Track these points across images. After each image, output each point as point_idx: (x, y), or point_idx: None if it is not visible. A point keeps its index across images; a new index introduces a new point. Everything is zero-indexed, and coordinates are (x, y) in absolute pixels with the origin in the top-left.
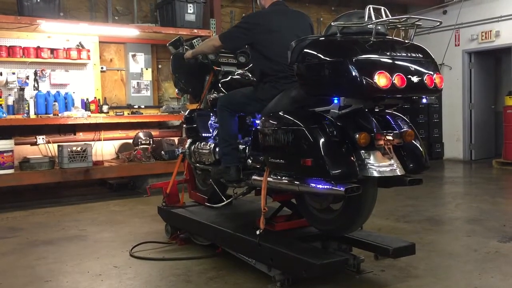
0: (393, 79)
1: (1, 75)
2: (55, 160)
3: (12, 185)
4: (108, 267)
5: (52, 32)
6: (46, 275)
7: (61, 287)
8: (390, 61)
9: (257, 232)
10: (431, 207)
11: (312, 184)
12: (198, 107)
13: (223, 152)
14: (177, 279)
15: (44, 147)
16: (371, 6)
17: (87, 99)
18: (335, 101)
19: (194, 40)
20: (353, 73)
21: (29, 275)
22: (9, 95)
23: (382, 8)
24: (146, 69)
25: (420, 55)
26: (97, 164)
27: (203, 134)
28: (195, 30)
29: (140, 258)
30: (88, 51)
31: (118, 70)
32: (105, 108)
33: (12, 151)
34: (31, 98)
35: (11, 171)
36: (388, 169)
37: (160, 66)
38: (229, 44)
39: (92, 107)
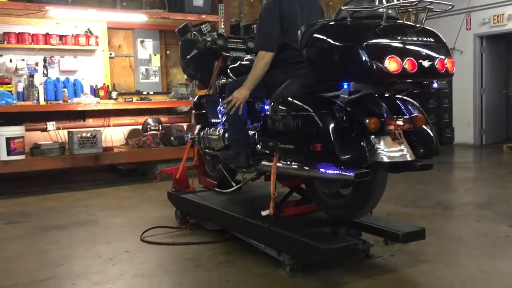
0: (403, 63)
1: (11, 61)
2: (65, 146)
3: (23, 171)
4: (119, 252)
5: (61, 19)
6: (58, 259)
7: (73, 271)
8: (401, 45)
9: (262, 213)
10: (440, 192)
11: (322, 170)
12: (207, 93)
13: (233, 138)
14: (187, 263)
15: (54, 133)
16: None
17: (96, 86)
18: (345, 86)
19: (203, 26)
20: (364, 58)
21: (41, 259)
22: (19, 81)
23: None
24: (155, 55)
25: (431, 39)
26: (106, 150)
27: (212, 120)
28: (203, 16)
29: (150, 242)
30: (97, 37)
31: (126, 56)
32: (114, 94)
33: (22, 137)
34: (40, 84)
35: (22, 157)
36: (398, 154)
37: (168, 52)
38: (275, 46)
39: (101, 93)
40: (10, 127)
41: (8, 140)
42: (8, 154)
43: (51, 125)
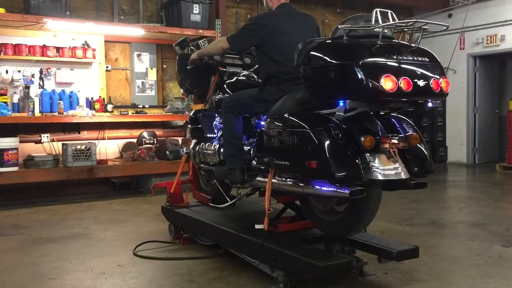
0: (399, 82)
1: (7, 73)
2: (59, 158)
3: (17, 182)
4: (112, 266)
5: (58, 31)
6: (50, 273)
7: (65, 284)
8: (396, 64)
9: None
10: (434, 210)
11: (317, 186)
12: (203, 108)
13: (228, 154)
14: (180, 278)
15: (48, 145)
16: (378, 9)
17: (92, 98)
18: (341, 104)
19: (200, 41)
20: (359, 76)
21: (33, 272)
22: (15, 93)
23: (389, 11)
24: (151, 68)
25: (426, 59)
26: (101, 163)
27: (208, 135)
28: (201, 31)
29: (143, 257)
30: (94, 50)
31: (123, 69)
32: (109, 107)
33: (16, 148)
34: (36, 96)
35: (15, 168)
36: (392, 172)
37: (165, 66)
38: (236, 45)
39: (97, 106)
40: (4, 139)
41: (2, 151)
42: (2, 166)
43: (45, 137)
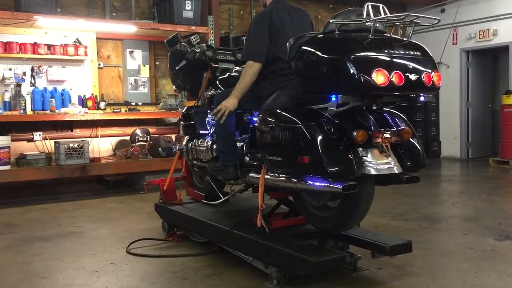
0: (391, 76)
1: None
2: (52, 156)
3: (9, 181)
4: (105, 264)
5: (49, 28)
6: (42, 271)
7: (57, 283)
8: (388, 58)
9: (262, 229)
10: (428, 205)
11: (310, 182)
12: (195, 104)
13: (221, 150)
14: (173, 276)
15: (40, 144)
16: (369, 3)
17: (84, 96)
18: (333, 99)
19: (192, 37)
20: (351, 71)
21: (25, 271)
22: (6, 91)
23: (381, 5)
24: (144, 65)
25: (418, 53)
26: (94, 160)
27: (201, 131)
28: (193, 27)
29: (136, 255)
30: (86, 47)
31: (115, 66)
32: (102, 104)
33: (8, 147)
34: (27, 94)
35: (7, 167)
36: (385, 167)
37: (157, 63)
38: (263, 57)
39: (89, 103)
40: None
41: None
42: None
43: (37, 135)
